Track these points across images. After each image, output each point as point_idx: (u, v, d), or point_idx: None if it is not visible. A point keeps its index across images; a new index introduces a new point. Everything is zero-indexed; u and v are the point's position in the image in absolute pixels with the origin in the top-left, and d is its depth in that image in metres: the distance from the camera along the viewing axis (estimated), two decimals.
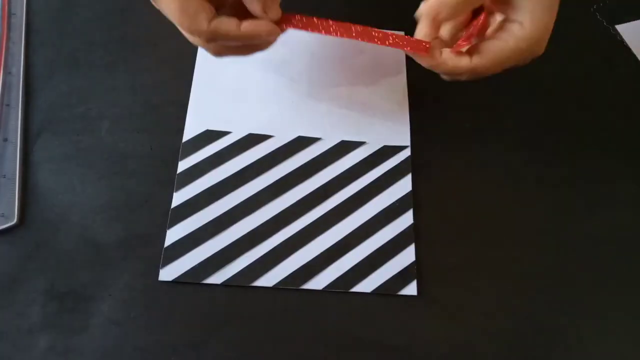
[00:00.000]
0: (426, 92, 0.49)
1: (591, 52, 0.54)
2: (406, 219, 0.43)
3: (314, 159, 0.45)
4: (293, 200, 0.43)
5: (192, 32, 0.35)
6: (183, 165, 0.43)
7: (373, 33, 0.37)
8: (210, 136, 0.45)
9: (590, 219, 0.45)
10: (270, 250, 0.41)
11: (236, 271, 0.39)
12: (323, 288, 0.40)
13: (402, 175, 0.45)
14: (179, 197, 0.42)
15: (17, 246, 0.39)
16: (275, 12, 0.36)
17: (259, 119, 0.46)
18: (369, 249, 0.41)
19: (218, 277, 0.39)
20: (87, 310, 0.37)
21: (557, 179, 0.47)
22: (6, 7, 0.48)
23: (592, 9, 0.57)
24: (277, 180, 0.43)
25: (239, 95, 0.47)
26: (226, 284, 0.39)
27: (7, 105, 0.44)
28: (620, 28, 0.55)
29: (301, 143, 0.45)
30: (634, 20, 0.56)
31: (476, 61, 0.37)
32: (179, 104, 0.46)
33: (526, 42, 0.37)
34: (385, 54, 0.51)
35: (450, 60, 0.38)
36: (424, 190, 0.45)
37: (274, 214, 0.42)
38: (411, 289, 0.40)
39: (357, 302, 0.40)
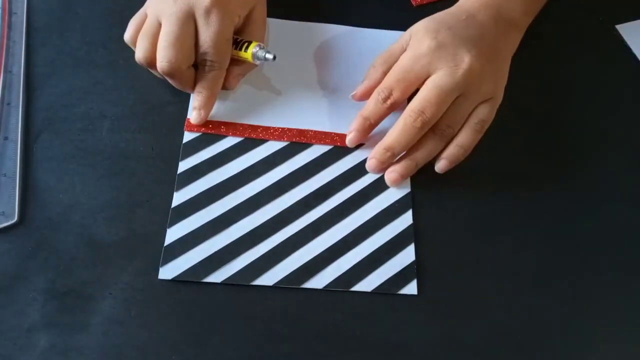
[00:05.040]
0: None
1: (591, 52, 0.54)
2: (406, 219, 0.43)
3: (314, 159, 0.45)
4: (293, 200, 0.43)
5: (175, 60, 0.41)
6: (184, 165, 0.43)
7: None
8: (209, 138, 0.45)
9: (591, 218, 0.45)
10: (271, 249, 0.41)
11: (236, 270, 0.40)
12: (323, 287, 0.40)
13: None
14: (179, 197, 0.42)
15: (17, 245, 0.39)
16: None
17: (260, 118, 0.46)
18: (369, 248, 0.41)
19: (218, 276, 0.39)
20: (88, 309, 0.37)
21: (557, 178, 0.47)
22: (7, 6, 0.48)
23: (592, 9, 0.57)
24: (277, 181, 0.43)
25: (239, 94, 0.47)
26: (226, 283, 0.39)
27: (8, 104, 0.44)
28: (620, 28, 0.56)
29: (301, 144, 0.45)
30: (634, 20, 0.56)
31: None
32: (179, 104, 0.46)
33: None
34: None
35: None
36: (423, 190, 0.45)
37: (275, 214, 0.42)
38: (411, 288, 0.40)
39: (358, 301, 0.40)
